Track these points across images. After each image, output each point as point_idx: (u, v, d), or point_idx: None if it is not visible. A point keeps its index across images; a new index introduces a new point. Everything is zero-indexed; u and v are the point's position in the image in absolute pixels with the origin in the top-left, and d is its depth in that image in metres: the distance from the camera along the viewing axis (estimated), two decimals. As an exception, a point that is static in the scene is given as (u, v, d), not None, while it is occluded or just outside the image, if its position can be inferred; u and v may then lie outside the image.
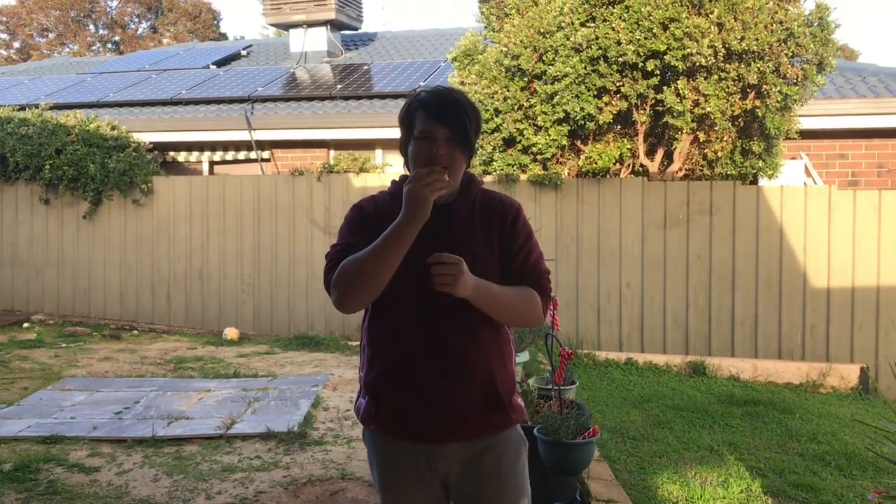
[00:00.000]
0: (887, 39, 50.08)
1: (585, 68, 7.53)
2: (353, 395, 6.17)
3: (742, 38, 7.21)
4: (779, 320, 7.91)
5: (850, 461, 5.03)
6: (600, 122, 7.65)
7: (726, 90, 7.38)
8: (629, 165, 8.32)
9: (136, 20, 35.27)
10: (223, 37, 34.20)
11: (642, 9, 7.30)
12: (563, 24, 7.68)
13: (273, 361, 7.57)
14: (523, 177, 8.32)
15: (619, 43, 7.40)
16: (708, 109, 7.36)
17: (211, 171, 11.49)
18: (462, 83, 8.53)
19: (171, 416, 5.51)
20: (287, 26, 14.43)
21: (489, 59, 8.21)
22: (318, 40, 14.06)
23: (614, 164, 8.13)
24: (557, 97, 7.65)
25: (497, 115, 8.06)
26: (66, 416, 5.52)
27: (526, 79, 7.97)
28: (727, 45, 7.24)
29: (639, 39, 7.32)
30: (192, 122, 11.02)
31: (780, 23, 7.36)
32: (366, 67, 12.77)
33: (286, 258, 9.28)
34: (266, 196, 9.36)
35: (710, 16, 7.25)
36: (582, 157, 8.11)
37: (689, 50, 7.20)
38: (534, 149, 8.03)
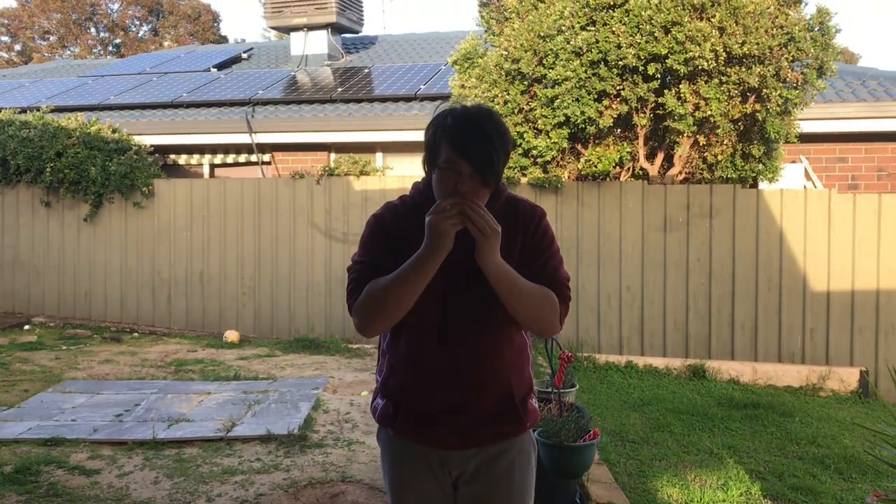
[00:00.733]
0: (888, 43, 50.14)
1: (586, 72, 7.54)
2: (354, 398, 6.18)
3: (743, 43, 7.23)
4: (779, 323, 7.91)
5: (850, 465, 5.04)
6: (600, 125, 7.66)
7: (727, 94, 7.40)
8: (629, 169, 8.34)
9: (138, 23, 35.31)
10: (223, 39, 34.26)
11: (643, 13, 7.32)
12: (563, 27, 7.70)
13: (273, 364, 7.58)
14: (524, 180, 8.33)
15: (619, 47, 7.41)
16: (709, 113, 7.37)
17: (212, 174, 11.51)
18: (462, 86, 8.54)
19: (172, 419, 5.51)
20: (288, 29, 14.46)
21: (489, 62, 8.22)
22: (318, 43, 14.09)
23: (614, 167, 8.14)
24: (558, 101, 7.67)
25: (497, 119, 8.06)
26: (66, 419, 5.53)
27: (526, 82, 7.99)
28: (728, 50, 7.26)
29: (639, 43, 7.34)
30: (192, 125, 11.03)
31: (781, 27, 7.38)
32: (366, 71, 12.79)
33: (287, 261, 9.29)
34: (267, 199, 9.38)
35: (712, 20, 7.27)
36: (582, 160, 8.13)
37: (691, 54, 7.22)
38: (534, 152, 8.04)
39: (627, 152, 8.04)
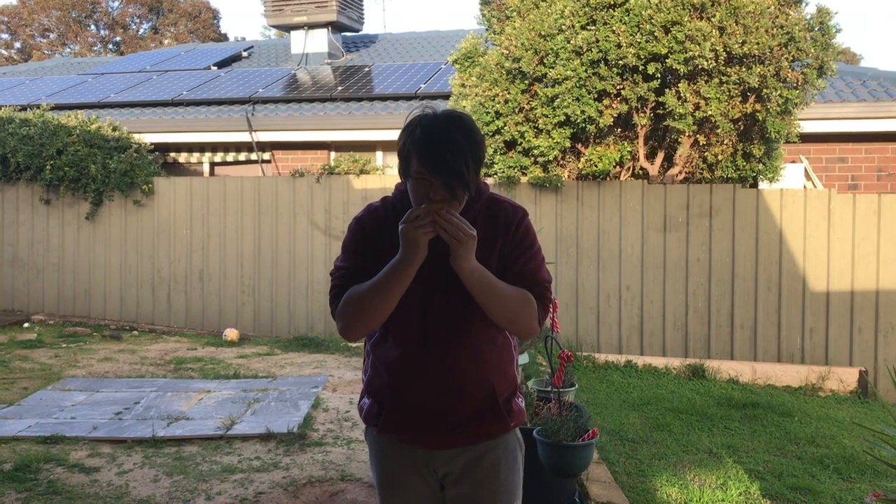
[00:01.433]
0: (889, 43, 50.13)
1: (586, 71, 7.55)
2: (353, 396, 6.18)
3: (743, 42, 7.23)
4: (778, 323, 7.92)
5: (849, 464, 5.04)
6: (601, 124, 7.66)
7: (727, 93, 7.40)
8: (629, 168, 8.34)
9: (138, 21, 35.29)
10: (223, 37, 34.23)
11: (643, 12, 7.32)
12: (563, 27, 7.70)
13: (273, 362, 7.58)
14: (524, 179, 8.33)
15: (619, 46, 7.42)
16: (709, 112, 7.37)
17: (212, 173, 11.51)
18: (463, 85, 8.54)
19: (171, 417, 5.52)
20: (288, 28, 14.44)
21: (490, 61, 8.22)
22: (319, 42, 14.08)
23: (614, 166, 8.14)
24: (558, 100, 7.67)
25: (498, 118, 8.08)
26: (66, 417, 5.53)
27: (527, 81, 7.99)
28: (728, 49, 7.26)
29: (639, 42, 7.34)
30: (193, 123, 11.03)
31: (781, 27, 7.38)
32: (367, 69, 12.78)
33: (286, 259, 9.29)
34: (266, 197, 9.38)
35: (712, 19, 7.27)
36: (582, 159, 8.13)
37: (691, 53, 7.22)
38: (535, 151, 8.04)
39: (628, 152, 8.05)
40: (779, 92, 7.40)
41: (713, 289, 8.04)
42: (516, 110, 8.01)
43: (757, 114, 7.56)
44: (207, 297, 9.50)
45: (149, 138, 10.56)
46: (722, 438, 5.58)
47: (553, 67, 7.69)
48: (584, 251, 8.31)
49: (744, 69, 7.35)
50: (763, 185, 8.63)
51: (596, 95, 7.63)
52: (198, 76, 13.22)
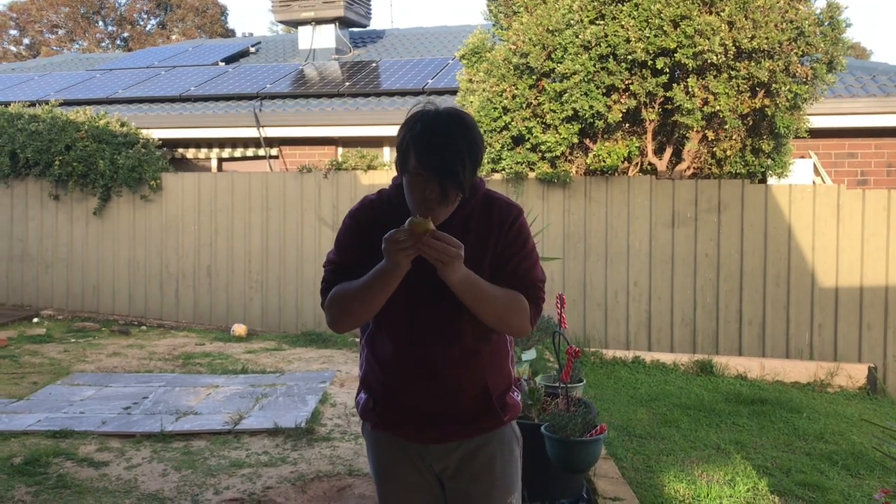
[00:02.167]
0: (898, 38, 49.81)
1: (594, 66, 7.52)
2: (361, 391, 6.18)
3: (753, 37, 7.19)
4: (787, 319, 7.89)
5: (858, 461, 5.02)
6: (609, 120, 7.64)
7: (736, 88, 7.36)
8: (637, 164, 8.31)
9: (146, 17, 35.36)
10: (231, 33, 34.28)
11: (652, 6, 7.29)
12: (571, 21, 7.67)
13: (281, 358, 7.60)
14: (531, 175, 8.32)
15: (628, 41, 7.39)
16: (718, 108, 7.34)
17: (220, 168, 11.52)
18: (470, 81, 8.53)
19: (180, 412, 5.54)
20: (296, 23, 14.45)
21: (497, 56, 8.21)
22: (326, 37, 14.08)
23: (623, 162, 8.12)
24: (566, 95, 7.65)
25: (505, 114, 8.06)
26: (75, 411, 5.55)
27: (534, 77, 7.97)
28: (738, 44, 7.22)
29: (648, 37, 7.31)
30: (200, 119, 11.05)
31: (791, 21, 7.34)
32: (374, 65, 12.78)
33: (294, 255, 9.30)
34: (274, 193, 9.39)
35: (721, 14, 7.24)
36: (590, 155, 8.11)
37: (700, 48, 7.19)
38: (542, 147, 8.02)
39: (636, 147, 8.02)
40: (788, 87, 7.36)
41: (721, 284, 8.02)
42: (524, 106, 8.00)
43: (766, 109, 7.52)
44: (215, 292, 9.52)
45: (157, 134, 10.57)
46: (730, 434, 5.57)
47: (561, 62, 7.67)
48: (591, 247, 8.30)
49: (753, 64, 7.31)
50: (772, 180, 8.60)
51: (604, 90, 7.60)
52: (205, 72, 13.24)
